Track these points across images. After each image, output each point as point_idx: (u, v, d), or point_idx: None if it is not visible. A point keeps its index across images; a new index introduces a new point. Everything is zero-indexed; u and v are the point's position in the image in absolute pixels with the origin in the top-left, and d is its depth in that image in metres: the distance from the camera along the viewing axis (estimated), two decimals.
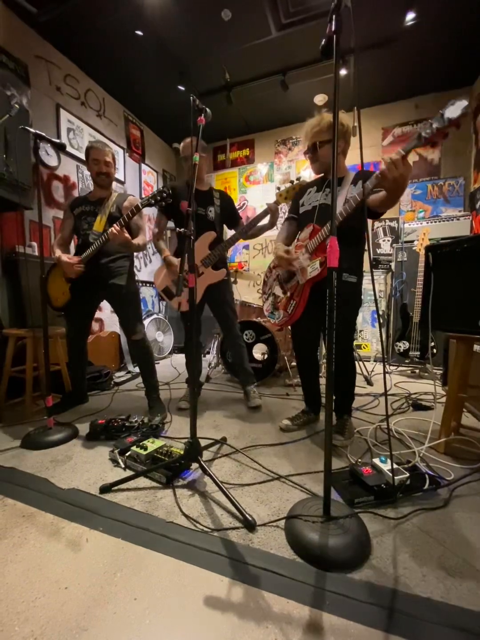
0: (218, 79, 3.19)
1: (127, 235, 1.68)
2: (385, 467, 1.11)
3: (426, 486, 1.08)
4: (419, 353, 2.68)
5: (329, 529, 0.85)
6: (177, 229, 1.07)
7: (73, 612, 0.69)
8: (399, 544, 0.87)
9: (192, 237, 1.09)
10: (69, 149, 2.87)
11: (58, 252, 1.76)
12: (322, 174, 1.61)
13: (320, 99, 3.51)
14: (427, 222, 3.06)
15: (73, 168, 2.98)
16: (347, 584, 0.75)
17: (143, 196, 3.93)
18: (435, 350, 2.60)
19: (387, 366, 3.04)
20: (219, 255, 1.92)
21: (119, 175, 3.54)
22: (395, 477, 1.04)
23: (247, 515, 0.95)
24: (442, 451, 1.38)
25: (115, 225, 1.64)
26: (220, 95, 3.39)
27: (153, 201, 1.55)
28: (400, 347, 2.80)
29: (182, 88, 3.29)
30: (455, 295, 1.34)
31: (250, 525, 0.94)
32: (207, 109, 1.19)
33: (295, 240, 1.65)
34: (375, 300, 0.96)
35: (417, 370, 2.89)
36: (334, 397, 1.48)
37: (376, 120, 3.66)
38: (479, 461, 1.26)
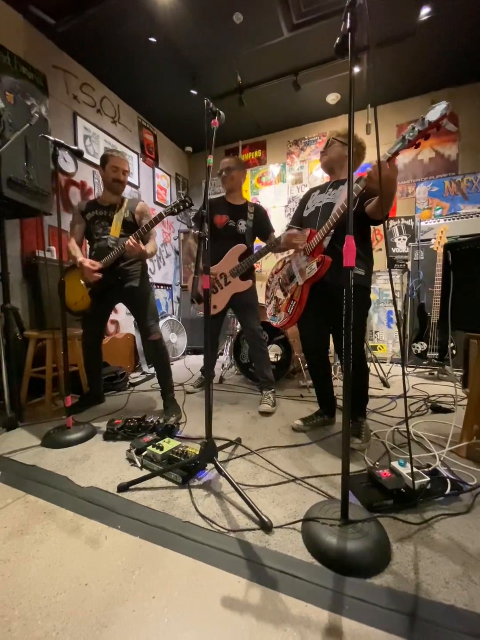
0: (230, 81, 3.21)
1: (142, 247, 1.75)
2: (405, 470, 1.09)
3: (448, 491, 1.05)
4: (437, 354, 2.60)
5: (348, 533, 0.84)
6: (193, 231, 1.08)
7: (93, 609, 0.70)
8: (420, 550, 0.85)
9: (207, 239, 1.10)
10: (85, 155, 2.94)
11: (80, 256, 1.79)
12: (328, 177, 1.65)
13: (332, 98, 3.48)
14: (445, 220, 2.98)
15: (89, 174, 3.06)
16: (367, 589, 0.73)
17: (156, 199, 3.99)
18: (455, 351, 2.53)
19: (403, 368, 2.97)
20: (247, 267, 2.05)
21: (133, 179, 3.61)
22: (416, 481, 1.01)
23: (263, 517, 0.95)
24: (463, 455, 1.34)
25: (131, 237, 1.69)
26: (232, 98, 3.41)
27: (176, 210, 1.60)
28: (417, 348, 2.73)
29: (194, 92, 3.33)
30: (476, 293, 1.30)
31: (266, 527, 0.93)
32: (221, 112, 1.20)
33: None
34: (394, 300, 0.94)
35: (435, 372, 2.81)
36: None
37: (390, 117, 3.59)
38: None
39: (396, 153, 1.12)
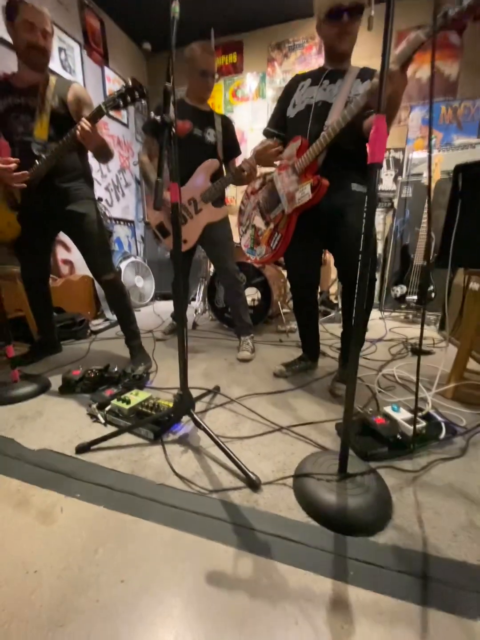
0: None
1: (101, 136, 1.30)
2: (399, 416, 1.01)
3: (443, 435, 0.99)
4: (416, 297, 2.56)
5: (347, 488, 0.74)
6: (154, 115, 0.76)
7: (45, 603, 0.55)
8: (421, 500, 0.78)
9: (174, 130, 0.79)
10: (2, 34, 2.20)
11: None
12: (323, 66, 1.28)
13: None
14: (439, 151, 2.73)
15: (13, 62, 2.33)
16: (371, 550, 0.65)
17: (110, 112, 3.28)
18: (434, 294, 2.49)
19: (380, 312, 2.95)
20: (221, 190, 1.69)
21: (77, 79, 2.87)
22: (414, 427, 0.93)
23: (249, 473, 0.83)
24: (449, 397, 1.30)
25: (83, 120, 1.21)
26: None
27: (121, 102, 1.17)
28: (397, 291, 2.66)
29: None
30: None
31: (254, 485, 0.82)
32: None
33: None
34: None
35: (410, 316, 2.81)
36: (345, 343, 1.35)
37: None
38: None
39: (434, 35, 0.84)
